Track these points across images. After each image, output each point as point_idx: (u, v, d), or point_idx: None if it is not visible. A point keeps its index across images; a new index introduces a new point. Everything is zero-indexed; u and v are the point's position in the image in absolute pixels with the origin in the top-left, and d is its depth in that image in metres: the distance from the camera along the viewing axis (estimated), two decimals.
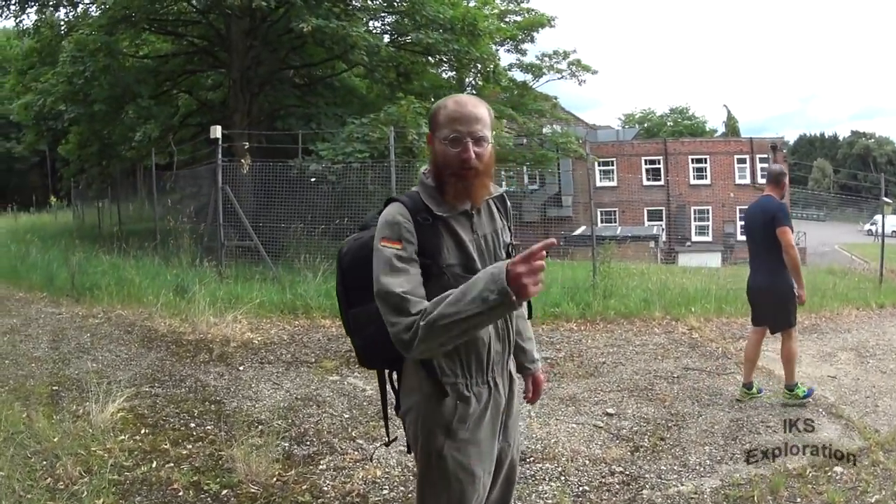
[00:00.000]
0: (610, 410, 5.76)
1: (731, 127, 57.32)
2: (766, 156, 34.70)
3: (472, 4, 21.06)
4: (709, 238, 34.78)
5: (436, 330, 1.90)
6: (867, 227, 52.53)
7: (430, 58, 18.07)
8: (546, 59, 28.78)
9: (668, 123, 65.34)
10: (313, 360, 7.20)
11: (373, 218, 2.24)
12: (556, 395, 6.19)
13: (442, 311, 1.89)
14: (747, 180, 34.95)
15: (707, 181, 35.49)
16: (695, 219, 35.43)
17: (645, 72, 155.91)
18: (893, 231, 54.41)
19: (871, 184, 40.92)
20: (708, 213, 35.56)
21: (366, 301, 2.12)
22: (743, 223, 6.87)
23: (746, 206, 6.58)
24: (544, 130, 27.35)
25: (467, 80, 22.82)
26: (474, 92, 25.73)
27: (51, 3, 17.26)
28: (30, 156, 41.82)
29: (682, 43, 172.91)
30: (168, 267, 11.59)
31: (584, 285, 10.84)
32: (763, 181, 28.64)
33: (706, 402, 6.07)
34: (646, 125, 65.41)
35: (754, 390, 6.17)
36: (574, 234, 24.82)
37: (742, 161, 35.57)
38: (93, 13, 17.11)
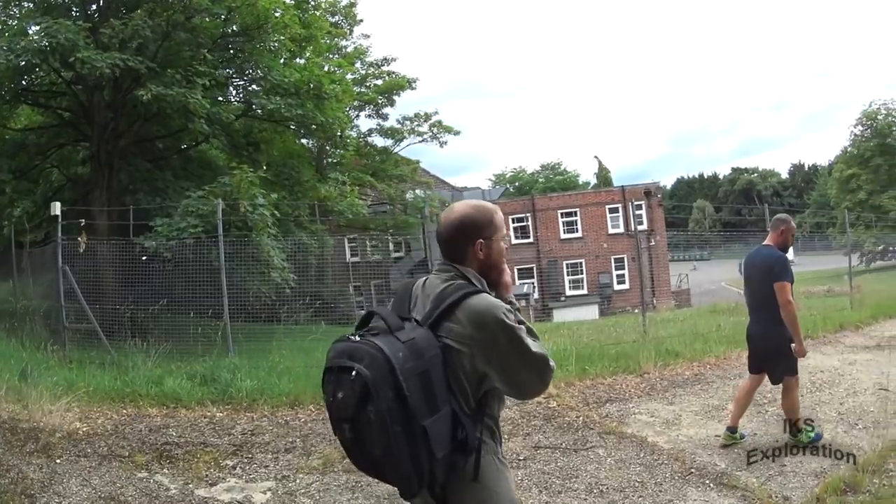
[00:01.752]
0: None
1: (603, 177, 58.84)
2: (640, 203, 35.33)
3: (326, 69, 21.26)
4: (584, 291, 35.04)
5: None
6: None
7: (277, 124, 17.94)
8: (407, 122, 29.33)
9: (540, 180, 66.93)
10: (127, 453, 6.83)
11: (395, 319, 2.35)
12: (374, 492, 5.60)
13: None
14: (620, 229, 35.73)
15: (579, 234, 35.99)
16: (568, 273, 35.82)
17: (519, 130, 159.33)
18: (790, 262, 57.70)
19: (757, 217, 42.65)
20: (581, 265, 35.81)
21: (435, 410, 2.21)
22: (741, 271, 6.76)
23: (744, 257, 6.63)
24: (408, 196, 27.87)
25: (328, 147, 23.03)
26: (332, 160, 25.82)
27: None
28: None
29: (555, 98, 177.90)
30: (22, 349, 10.91)
31: None
32: (642, 227, 29.33)
33: (557, 489, 5.47)
34: (517, 184, 66.67)
35: (737, 435, 6.16)
36: None
37: (615, 210, 36.28)
38: None
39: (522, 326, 2.32)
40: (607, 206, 36.33)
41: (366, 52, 28.68)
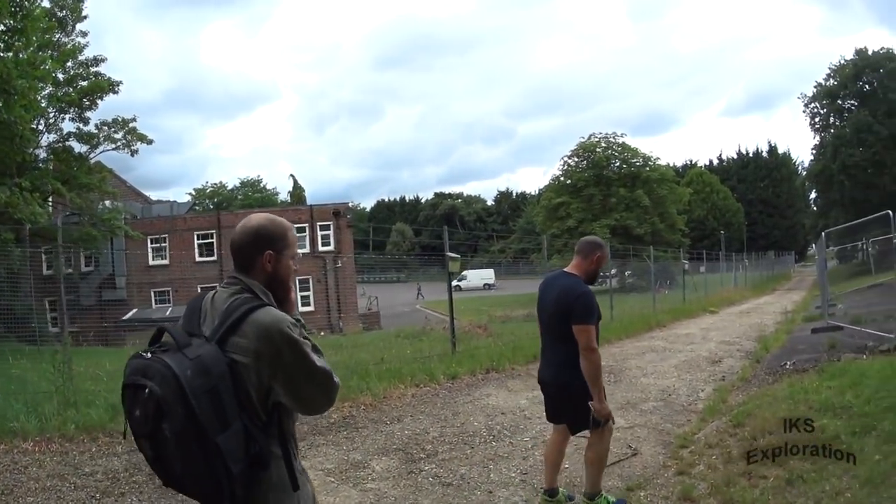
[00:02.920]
0: None
1: (297, 196, 59.27)
2: (328, 223, 35.93)
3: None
4: None
5: None
6: (455, 283, 56.88)
7: None
8: (105, 127, 27.51)
9: (239, 197, 67.02)
10: None
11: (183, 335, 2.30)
12: None
13: None
14: (307, 249, 35.09)
15: None
16: None
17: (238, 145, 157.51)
18: (485, 284, 60.39)
19: (458, 241, 43.96)
20: None
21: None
22: (538, 293, 5.30)
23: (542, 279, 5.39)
24: (98, 207, 26.52)
25: None
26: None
27: None
28: None
29: (274, 116, 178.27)
30: None
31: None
32: (326, 248, 28.63)
33: None
34: (216, 199, 66.51)
35: (560, 497, 5.18)
36: (125, 318, 24.12)
37: (302, 230, 35.62)
38: None
39: (308, 342, 2.36)
40: (295, 226, 35.22)
41: (79, 51, 26.39)
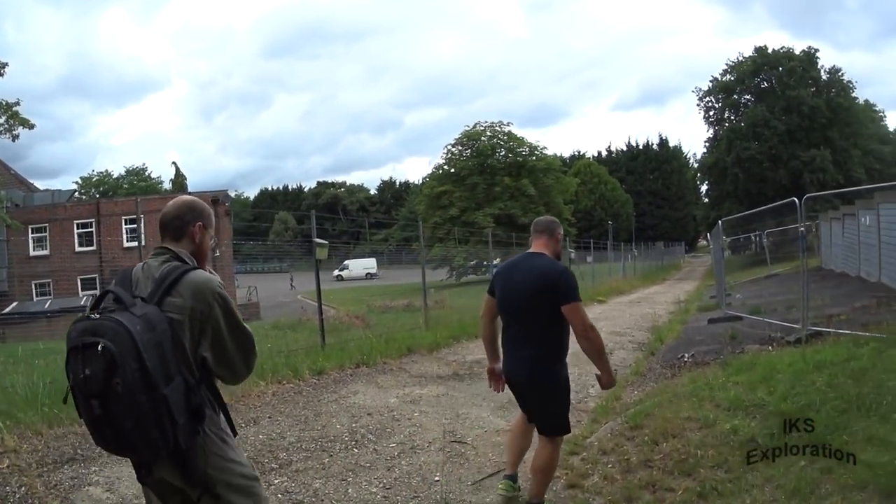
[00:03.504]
0: None
1: (179, 184, 59.71)
2: None
3: None
4: None
5: None
6: (336, 272, 56.06)
7: None
8: None
9: (125, 186, 66.11)
10: None
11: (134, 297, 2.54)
12: None
13: None
14: None
15: (143, 242, 32.75)
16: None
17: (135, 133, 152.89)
18: (368, 273, 59.60)
19: (341, 231, 43.19)
20: None
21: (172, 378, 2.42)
22: (494, 288, 4.68)
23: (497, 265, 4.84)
24: None
25: None
26: None
27: None
28: None
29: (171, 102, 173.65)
30: None
31: None
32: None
33: None
34: (102, 188, 66.48)
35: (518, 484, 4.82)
36: (5, 311, 23.51)
37: None
38: None
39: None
40: None
41: None
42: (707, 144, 57.07)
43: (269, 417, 7.29)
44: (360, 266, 61.34)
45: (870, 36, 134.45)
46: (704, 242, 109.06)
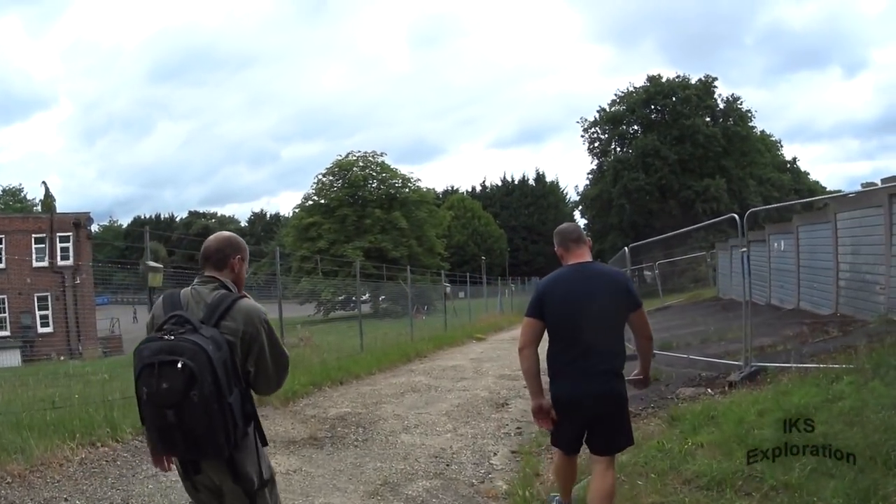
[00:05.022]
0: None
1: (47, 205, 54.92)
2: (68, 234, 32.35)
3: None
4: (6, 332, 29.87)
5: None
6: None
7: None
8: None
9: (1, 206, 64.69)
10: None
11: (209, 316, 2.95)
12: None
13: None
14: (45, 262, 31.12)
15: (2, 265, 30.80)
16: None
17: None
18: None
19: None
20: (4, 302, 30.32)
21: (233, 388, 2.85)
22: (542, 308, 4.30)
23: (554, 277, 4.37)
24: None
25: None
26: None
27: None
28: None
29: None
30: None
31: None
32: (66, 262, 24.74)
33: None
34: None
35: None
36: None
37: (41, 241, 31.64)
38: None
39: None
40: (34, 235, 32.07)
41: None
42: (591, 177, 57.00)
43: (66, 500, 5.48)
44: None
45: (763, 72, 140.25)
46: None
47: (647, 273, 34.44)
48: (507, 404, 9.57)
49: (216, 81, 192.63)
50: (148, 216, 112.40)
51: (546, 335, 4.28)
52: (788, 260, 17.48)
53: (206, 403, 2.63)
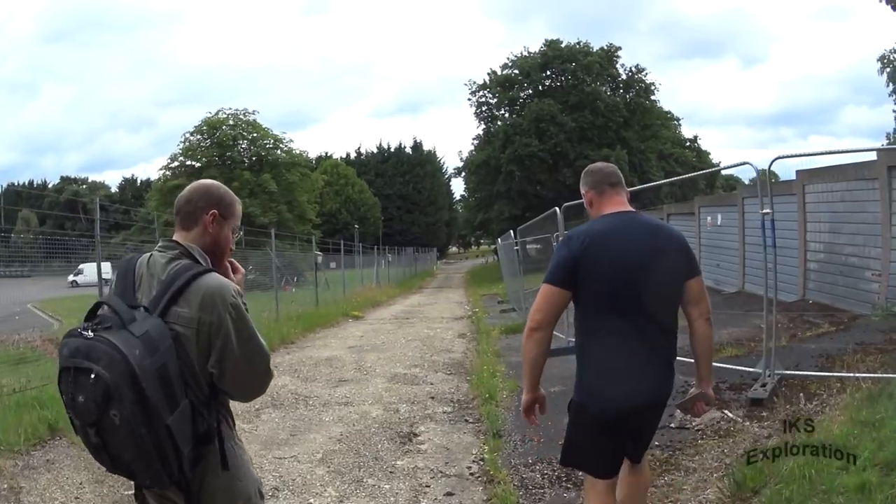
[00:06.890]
0: None
1: None
2: None
3: None
4: None
5: None
6: (71, 277, 48.79)
7: None
8: None
9: None
10: None
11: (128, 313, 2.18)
12: None
13: None
14: None
15: None
16: None
17: None
18: (106, 280, 52.22)
19: (80, 232, 37.56)
20: None
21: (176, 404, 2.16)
22: (575, 270, 3.01)
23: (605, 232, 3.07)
24: None
25: None
26: None
27: None
28: None
29: None
30: None
31: None
32: None
33: None
34: None
35: None
36: None
37: None
38: None
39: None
40: None
41: None
42: (476, 142, 54.61)
43: None
44: (96, 271, 54.17)
45: (657, 58, 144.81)
46: (455, 249, 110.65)
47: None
48: (414, 434, 6.66)
49: (102, 43, 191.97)
50: (21, 183, 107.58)
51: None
52: (731, 237, 15.83)
53: (129, 427, 1.97)
